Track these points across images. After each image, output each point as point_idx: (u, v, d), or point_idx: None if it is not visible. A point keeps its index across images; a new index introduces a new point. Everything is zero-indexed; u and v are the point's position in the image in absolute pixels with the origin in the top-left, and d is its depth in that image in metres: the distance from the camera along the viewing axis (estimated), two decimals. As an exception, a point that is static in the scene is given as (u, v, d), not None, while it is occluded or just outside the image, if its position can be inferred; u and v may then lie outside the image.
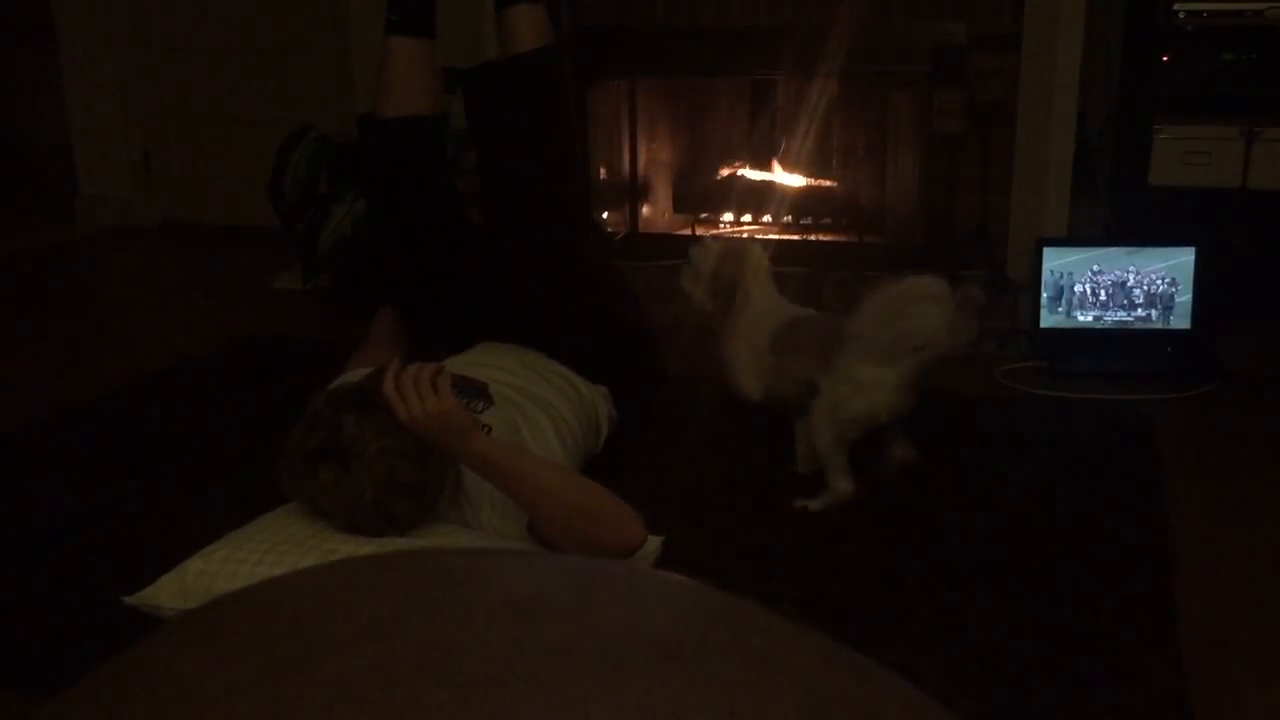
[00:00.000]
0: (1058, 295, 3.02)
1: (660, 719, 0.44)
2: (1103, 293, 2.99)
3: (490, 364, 2.28)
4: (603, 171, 3.80)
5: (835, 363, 2.10)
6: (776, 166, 3.78)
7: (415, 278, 2.51)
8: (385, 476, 1.75)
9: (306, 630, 0.49)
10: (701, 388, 2.73)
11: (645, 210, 3.83)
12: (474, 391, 2.10)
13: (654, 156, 3.91)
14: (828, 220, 3.72)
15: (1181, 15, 3.14)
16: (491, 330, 2.38)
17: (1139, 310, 3.00)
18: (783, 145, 3.75)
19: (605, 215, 3.81)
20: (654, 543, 1.91)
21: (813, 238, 3.68)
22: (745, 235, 2.52)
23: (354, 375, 2.05)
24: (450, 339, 2.37)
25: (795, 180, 3.77)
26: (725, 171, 3.85)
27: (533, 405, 2.12)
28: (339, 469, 1.75)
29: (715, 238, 2.33)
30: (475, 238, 2.55)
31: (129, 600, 1.78)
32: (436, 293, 2.50)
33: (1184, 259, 2.96)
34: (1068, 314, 3.02)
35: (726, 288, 2.32)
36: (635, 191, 3.82)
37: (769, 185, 3.79)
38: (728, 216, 3.79)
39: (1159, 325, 2.99)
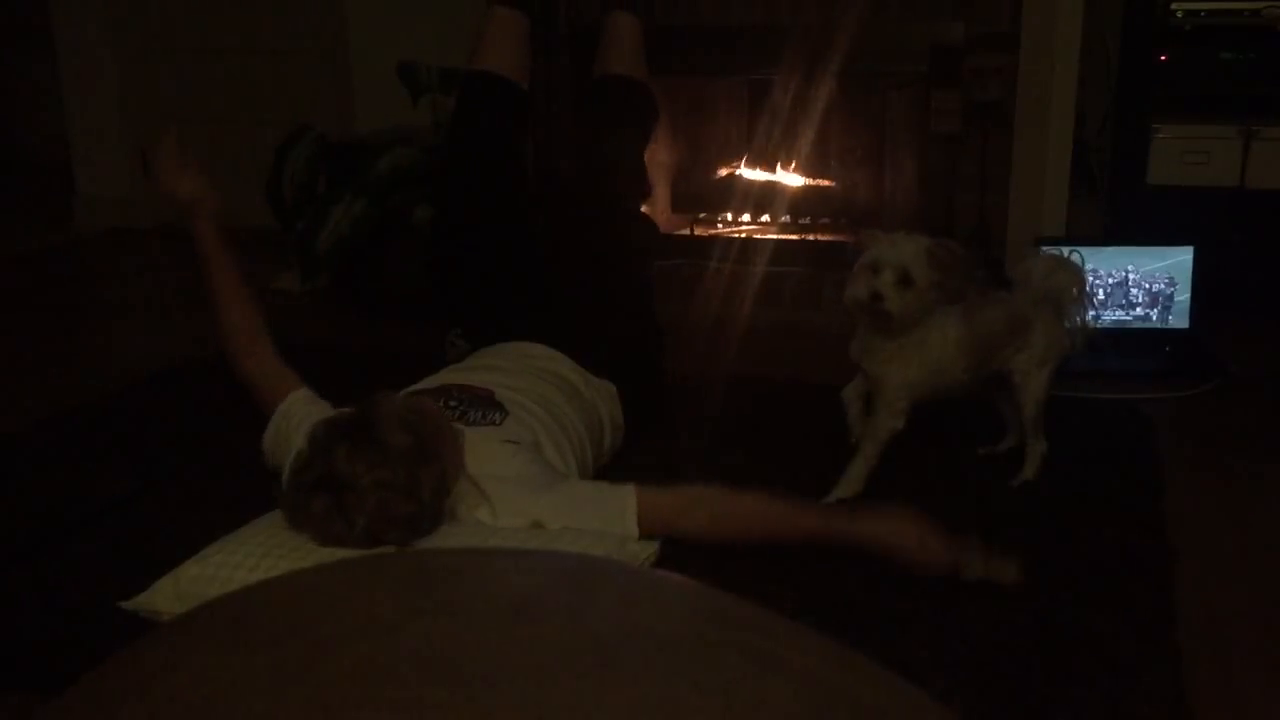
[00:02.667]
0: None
1: (657, 718, 0.44)
2: (1101, 292, 2.99)
3: (487, 366, 2.27)
4: (601, 172, 3.80)
5: (1034, 324, 2.21)
6: (775, 166, 3.78)
7: (472, 255, 2.57)
8: (378, 509, 1.73)
9: (304, 630, 0.49)
10: (703, 388, 2.73)
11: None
12: (483, 402, 2.08)
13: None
14: (826, 220, 3.72)
15: (1179, 15, 3.14)
16: (520, 317, 2.42)
17: (1137, 310, 3.00)
18: (781, 145, 3.75)
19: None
20: (652, 545, 1.90)
21: (811, 237, 3.68)
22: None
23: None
24: (480, 323, 2.40)
25: (793, 180, 3.77)
26: (723, 171, 3.85)
27: (542, 409, 2.12)
28: (331, 501, 1.73)
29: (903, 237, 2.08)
30: (531, 226, 2.69)
31: (125, 605, 1.77)
32: (487, 272, 2.55)
33: (1182, 258, 2.96)
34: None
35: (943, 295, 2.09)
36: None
37: (767, 185, 3.79)
38: (726, 216, 3.79)
39: (1157, 325, 2.99)
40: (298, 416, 2.07)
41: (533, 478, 1.93)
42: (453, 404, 2.06)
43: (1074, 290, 2.25)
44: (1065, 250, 2.42)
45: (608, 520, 1.87)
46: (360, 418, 1.80)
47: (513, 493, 1.90)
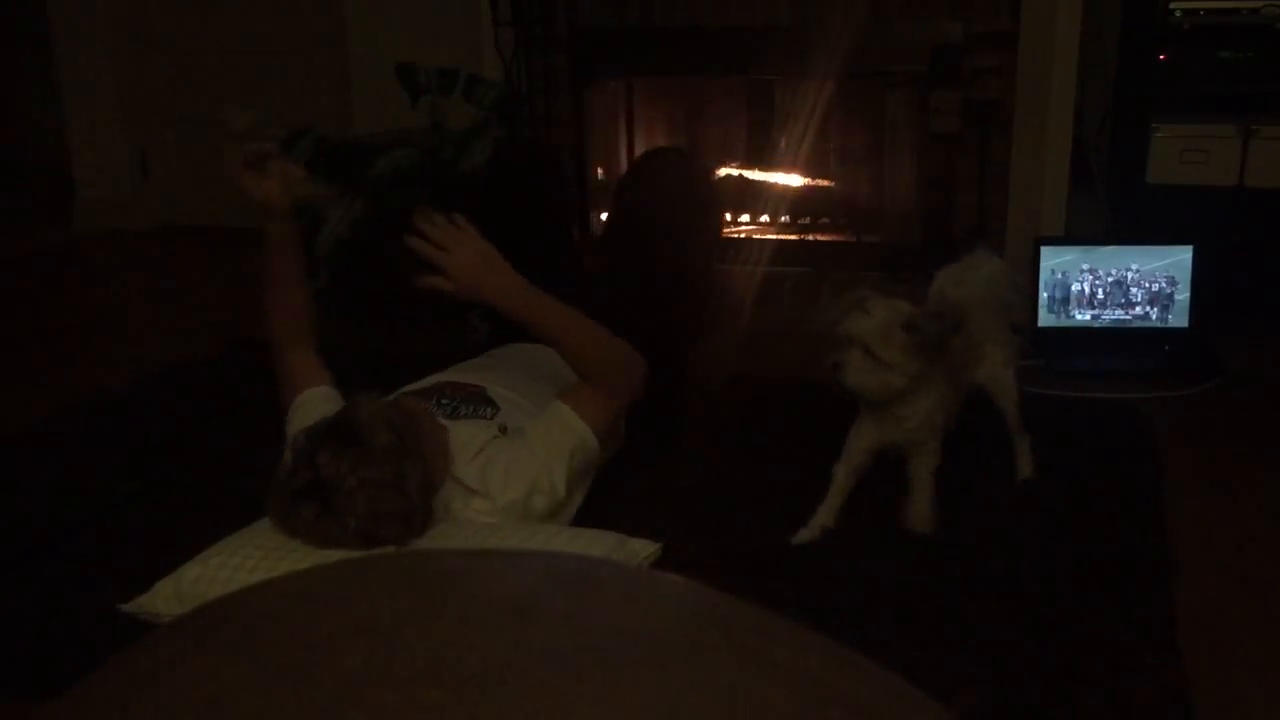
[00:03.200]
0: (1055, 294, 3.02)
1: (655, 719, 0.44)
2: (1100, 291, 2.99)
3: (482, 364, 2.28)
4: (600, 172, 3.80)
5: (994, 340, 2.21)
6: (774, 166, 3.78)
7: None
8: (368, 506, 1.74)
9: (302, 631, 0.49)
10: (703, 388, 2.73)
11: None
12: (475, 399, 2.10)
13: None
14: (825, 220, 3.72)
15: (1179, 14, 3.14)
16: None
17: (1137, 309, 2.99)
18: (780, 145, 3.75)
19: (604, 216, 3.80)
20: (651, 546, 1.90)
21: (810, 238, 3.68)
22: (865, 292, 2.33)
23: (317, 409, 2.02)
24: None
25: (793, 180, 3.77)
26: (722, 171, 3.85)
27: (535, 406, 2.12)
28: (320, 507, 1.74)
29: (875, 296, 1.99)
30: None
31: (125, 607, 1.77)
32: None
33: (1182, 257, 2.96)
34: (1066, 313, 3.02)
35: (936, 346, 1.96)
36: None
37: (767, 185, 3.79)
38: (725, 217, 3.79)
39: (1157, 324, 2.99)
40: (307, 409, 2.09)
41: (509, 447, 1.98)
42: (444, 401, 2.07)
43: (1008, 287, 2.25)
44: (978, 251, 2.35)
45: (564, 433, 1.98)
46: (341, 421, 1.80)
47: (497, 467, 1.94)
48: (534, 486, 1.93)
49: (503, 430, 2.03)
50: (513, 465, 1.94)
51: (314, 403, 2.12)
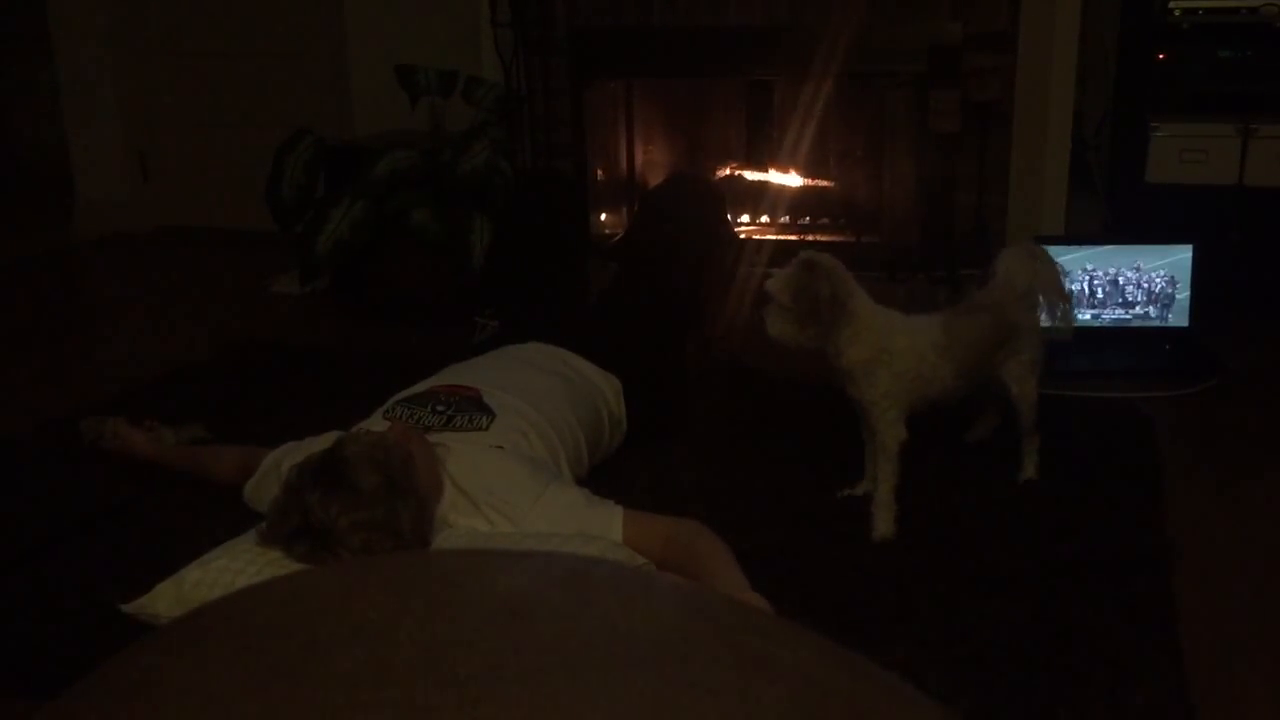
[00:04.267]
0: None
1: (653, 718, 0.44)
2: (1100, 291, 2.99)
3: (479, 365, 2.28)
4: (600, 173, 3.80)
5: (1020, 329, 2.23)
6: (773, 167, 3.78)
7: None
8: (362, 548, 1.73)
9: (300, 632, 0.49)
10: (703, 387, 2.73)
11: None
12: (471, 405, 2.08)
13: (651, 157, 3.92)
14: (825, 220, 3.72)
15: (1177, 13, 3.14)
16: (553, 302, 2.49)
17: (1137, 308, 2.99)
18: (780, 145, 3.75)
19: (604, 217, 3.81)
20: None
21: (810, 238, 3.68)
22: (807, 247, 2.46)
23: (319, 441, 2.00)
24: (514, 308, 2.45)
25: (792, 180, 3.77)
26: (722, 172, 3.85)
27: (531, 408, 2.12)
28: (313, 546, 1.73)
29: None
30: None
31: (126, 609, 1.77)
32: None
33: (1181, 256, 2.96)
34: (1066, 312, 3.02)
35: (825, 312, 2.04)
36: (633, 192, 3.82)
37: (766, 185, 3.79)
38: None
39: (1157, 323, 2.99)
40: (286, 464, 2.01)
41: (520, 483, 1.92)
42: (440, 409, 2.06)
43: (1056, 286, 2.26)
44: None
45: (590, 530, 1.87)
46: (328, 462, 1.78)
47: (502, 501, 1.90)
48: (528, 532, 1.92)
49: (500, 447, 2.01)
50: (522, 510, 1.89)
51: (287, 455, 2.06)
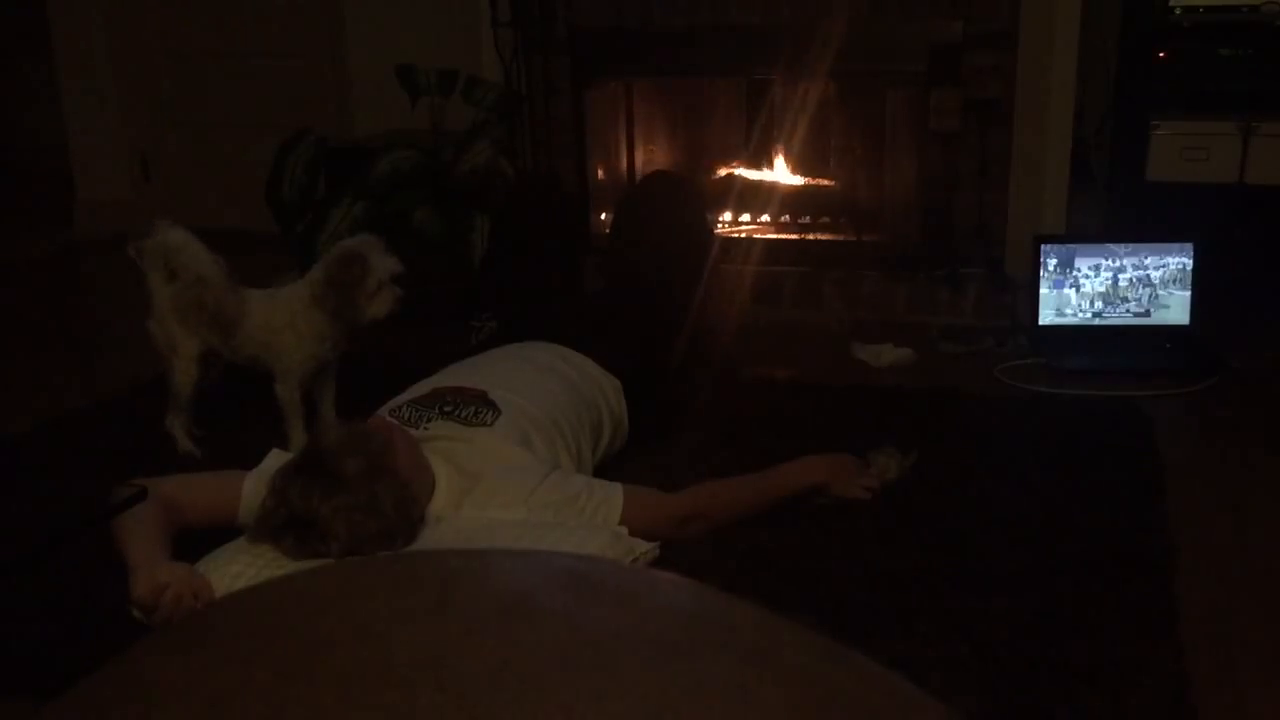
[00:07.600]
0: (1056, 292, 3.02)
1: (653, 718, 0.44)
2: (1101, 289, 2.99)
3: (482, 365, 2.29)
4: (600, 172, 3.80)
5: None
6: (773, 166, 3.78)
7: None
8: (347, 532, 1.75)
9: (300, 632, 0.49)
10: (702, 387, 2.73)
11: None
12: (476, 402, 2.10)
13: (651, 157, 3.91)
14: (825, 219, 3.71)
15: (1178, 11, 3.14)
16: (552, 302, 2.51)
17: (1137, 307, 2.99)
18: (780, 145, 3.75)
19: (603, 217, 3.80)
20: (649, 543, 1.91)
21: (810, 237, 3.68)
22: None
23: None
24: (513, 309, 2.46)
25: (792, 179, 3.76)
26: (722, 171, 3.85)
27: (535, 407, 2.12)
28: (299, 537, 1.75)
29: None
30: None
31: (128, 609, 1.77)
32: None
33: (1182, 255, 2.96)
34: (1066, 311, 3.02)
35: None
36: (633, 192, 3.80)
37: (766, 185, 3.78)
38: (725, 216, 3.79)
39: (1157, 321, 2.99)
40: (255, 490, 1.96)
41: (523, 471, 1.96)
42: (446, 408, 2.07)
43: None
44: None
45: (591, 518, 1.92)
46: (308, 454, 1.82)
47: (502, 487, 1.93)
48: (526, 517, 1.93)
49: (505, 439, 2.04)
50: (522, 496, 1.92)
51: (270, 463, 2.03)
